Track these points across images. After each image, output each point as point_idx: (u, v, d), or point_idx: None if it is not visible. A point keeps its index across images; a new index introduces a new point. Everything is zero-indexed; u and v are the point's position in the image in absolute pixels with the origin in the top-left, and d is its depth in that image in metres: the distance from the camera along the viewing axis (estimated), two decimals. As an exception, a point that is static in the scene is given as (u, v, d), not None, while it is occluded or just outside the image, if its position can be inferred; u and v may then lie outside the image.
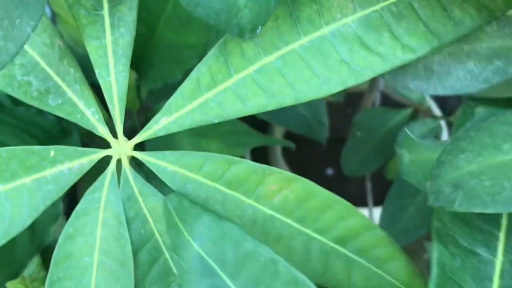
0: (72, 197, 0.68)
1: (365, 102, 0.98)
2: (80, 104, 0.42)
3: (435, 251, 0.36)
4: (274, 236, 0.40)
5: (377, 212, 0.88)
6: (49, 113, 0.61)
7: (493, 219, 0.35)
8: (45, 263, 0.69)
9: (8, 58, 0.32)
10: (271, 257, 0.33)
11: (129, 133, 0.83)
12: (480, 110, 0.38)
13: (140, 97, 0.71)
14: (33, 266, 0.70)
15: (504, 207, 0.30)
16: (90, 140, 0.65)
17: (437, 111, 0.99)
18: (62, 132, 0.61)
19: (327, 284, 0.40)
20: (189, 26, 0.60)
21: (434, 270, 0.35)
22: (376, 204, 0.93)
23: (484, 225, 0.35)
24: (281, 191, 0.40)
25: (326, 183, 1.08)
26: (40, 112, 0.62)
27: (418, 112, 0.87)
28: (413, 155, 0.41)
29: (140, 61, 0.63)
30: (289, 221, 0.40)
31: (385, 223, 0.78)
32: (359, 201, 1.00)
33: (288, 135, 1.08)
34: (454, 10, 0.36)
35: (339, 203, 0.40)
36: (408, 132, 0.41)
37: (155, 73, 0.64)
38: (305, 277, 0.32)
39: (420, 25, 0.36)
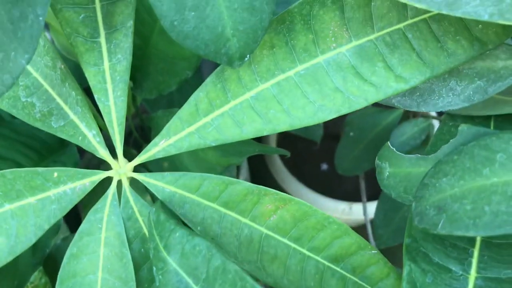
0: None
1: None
2: (82, 126, 0.43)
3: (405, 268, 0.37)
4: (270, 255, 0.42)
5: (371, 207, 0.89)
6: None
7: (468, 236, 0.36)
8: (47, 270, 0.70)
9: (5, 89, 0.33)
10: (238, 273, 0.34)
11: (125, 136, 0.83)
12: (463, 128, 0.39)
13: (135, 103, 0.72)
14: (35, 273, 0.71)
15: (484, 231, 0.31)
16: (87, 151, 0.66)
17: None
18: (60, 143, 0.62)
19: (322, 301, 0.42)
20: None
21: (404, 286, 0.36)
22: (370, 199, 0.94)
23: (458, 242, 0.36)
24: (277, 211, 0.42)
25: (322, 179, 1.09)
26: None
27: (410, 112, 0.88)
28: (394, 169, 0.42)
29: (135, 71, 0.64)
30: (285, 240, 0.41)
31: (379, 222, 0.79)
32: (354, 196, 1.01)
33: (282, 134, 1.09)
34: (447, 42, 0.36)
35: (334, 223, 0.42)
36: (391, 146, 0.42)
37: (150, 84, 0.65)
38: None
39: (413, 55, 0.37)
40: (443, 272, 0.36)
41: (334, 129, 1.05)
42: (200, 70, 0.75)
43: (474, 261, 0.36)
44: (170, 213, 0.43)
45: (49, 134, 0.62)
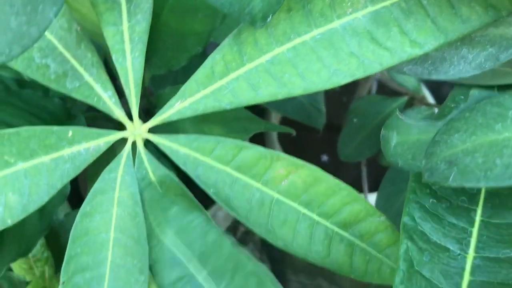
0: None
1: (361, 90, 1.00)
2: (97, 88, 0.43)
3: (402, 246, 0.37)
4: (280, 219, 0.42)
5: (371, 198, 0.90)
6: (55, 97, 0.63)
7: (467, 215, 0.37)
8: (49, 244, 0.70)
9: (31, 42, 0.33)
10: (233, 248, 0.35)
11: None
12: (474, 92, 0.39)
13: (143, 82, 0.72)
14: (37, 246, 0.71)
15: (495, 182, 0.31)
16: (95, 123, 0.66)
17: (431, 100, 1.01)
18: (68, 115, 0.62)
19: (330, 267, 0.42)
20: (194, 14, 0.61)
21: (401, 264, 0.37)
22: (371, 190, 0.95)
23: (457, 221, 0.37)
24: (289, 176, 0.42)
25: (322, 169, 1.09)
26: (46, 95, 0.63)
27: (413, 100, 0.88)
28: (403, 137, 0.42)
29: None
30: (295, 205, 0.42)
31: (380, 207, 0.80)
32: (354, 187, 1.01)
33: (284, 122, 1.10)
34: (462, 8, 0.37)
35: (344, 189, 0.42)
36: (399, 114, 0.43)
37: (159, 59, 0.65)
38: (266, 269, 0.34)
39: (428, 21, 0.38)
40: (440, 251, 0.36)
41: (335, 120, 1.06)
42: (204, 51, 0.76)
43: (473, 240, 0.36)
44: (183, 175, 0.44)
45: (57, 105, 0.63)
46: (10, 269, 0.74)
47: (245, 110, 0.66)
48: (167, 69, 0.65)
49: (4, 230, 0.54)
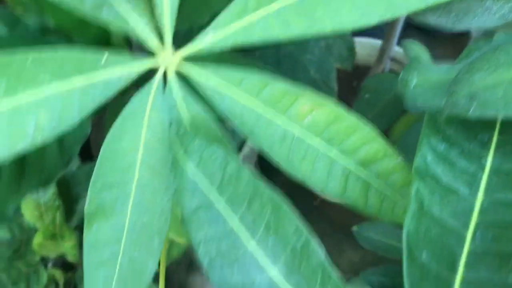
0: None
1: (373, 73, 1.02)
2: (133, 16, 0.44)
3: (414, 187, 0.38)
4: (299, 155, 0.44)
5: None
6: (79, 43, 0.64)
7: (478, 161, 0.38)
8: (61, 194, 0.72)
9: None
10: (251, 178, 0.37)
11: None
12: (500, 35, 0.41)
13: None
14: (49, 194, 0.73)
15: None
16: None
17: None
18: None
19: (346, 201, 0.44)
20: (222, -30, 0.63)
21: (412, 204, 0.38)
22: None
23: (468, 166, 0.38)
24: (312, 112, 0.44)
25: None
26: (70, 41, 0.64)
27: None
28: (423, 78, 0.43)
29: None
30: (316, 140, 0.43)
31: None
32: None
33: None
34: (490, -45, 0.39)
35: (364, 129, 0.44)
36: (421, 57, 0.44)
37: (183, 14, 0.66)
38: (280, 198, 0.36)
39: (457, -34, 0.39)
40: (450, 193, 0.37)
41: (345, 103, 1.07)
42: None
43: (483, 184, 0.37)
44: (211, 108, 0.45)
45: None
46: (22, 215, 0.76)
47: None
48: (189, 25, 0.66)
49: (26, 160, 0.55)
